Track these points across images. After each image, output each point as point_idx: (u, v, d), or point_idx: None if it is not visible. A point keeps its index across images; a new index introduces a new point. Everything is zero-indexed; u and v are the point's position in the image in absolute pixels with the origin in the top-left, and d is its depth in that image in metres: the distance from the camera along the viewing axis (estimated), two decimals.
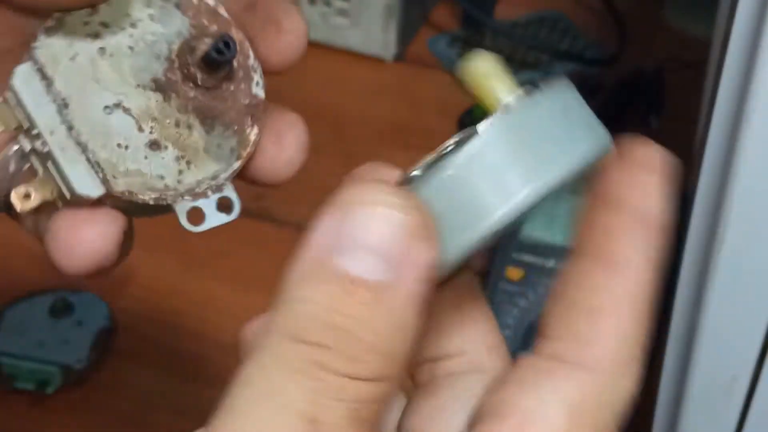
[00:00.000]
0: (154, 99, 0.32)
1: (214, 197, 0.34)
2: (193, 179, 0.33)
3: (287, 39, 0.35)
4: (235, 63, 0.33)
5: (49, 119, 0.30)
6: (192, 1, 0.33)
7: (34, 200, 0.31)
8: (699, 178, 0.46)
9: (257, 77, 0.34)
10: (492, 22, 0.98)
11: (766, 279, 0.46)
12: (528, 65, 0.97)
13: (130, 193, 0.32)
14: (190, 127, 0.33)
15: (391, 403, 0.27)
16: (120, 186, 0.32)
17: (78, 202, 0.31)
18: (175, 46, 0.32)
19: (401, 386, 0.28)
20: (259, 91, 0.35)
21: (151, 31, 0.32)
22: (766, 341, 0.47)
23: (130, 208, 0.33)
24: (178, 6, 0.33)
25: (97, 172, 0.31)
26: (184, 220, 0.35)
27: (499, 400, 0.26)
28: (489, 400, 0.26)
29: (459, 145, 0.27)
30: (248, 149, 0.34)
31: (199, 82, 0.32)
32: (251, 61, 0.34)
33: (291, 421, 0.23)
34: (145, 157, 0.32)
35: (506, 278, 0.72)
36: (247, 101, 0.34)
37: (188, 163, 0.33)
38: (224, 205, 0.35)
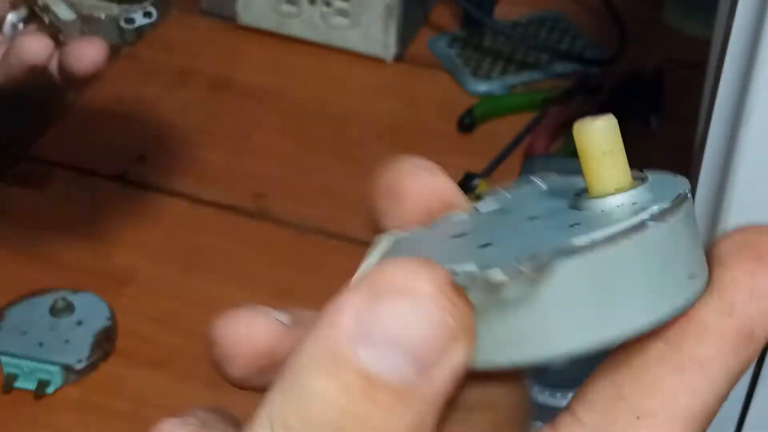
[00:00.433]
0: None
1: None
2: None
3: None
4: None
5: None
6: None
7: None
8: (699, 178, 0.46)
9: None
10: (492, 22, 0.98)
11: None
12: (528, 65, 0.97)
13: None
14: None
15: None
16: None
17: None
18: None
19: None
20: None
21: None
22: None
23: None
24: None
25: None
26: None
27: None
28: None
29: (540, 257, 0.21)
30: None
31: None
32: None
33: None
34: None
35: None
36: None
37: None
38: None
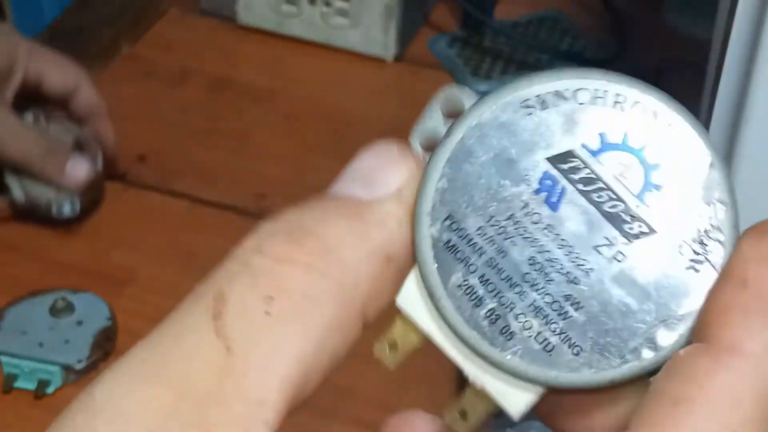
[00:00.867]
0: None
1: None
2: None
3: None
4: None
5: None
6: None
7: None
8: None
9: None
10: (492, 22, 0.98)
11: None
12: (528, 65, 0.97)
13: None
14: None
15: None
16: None
17: None
18: None
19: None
20: None
21: None
22: None
23: None
24: None
25: None
26: None
27: None
28: None
29: None
30: None
31: None
32: None
33: (198, 298, 0.23)
34: None
35: None
36: None
37: None
38: None
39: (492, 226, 0.24)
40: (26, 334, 0.71)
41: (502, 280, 0.24)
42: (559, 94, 0.24)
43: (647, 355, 0.23)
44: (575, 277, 0.23)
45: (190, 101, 0.93)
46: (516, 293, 0.24)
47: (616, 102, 0.24)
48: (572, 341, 0.23)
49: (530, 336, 0.23)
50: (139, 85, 0.94)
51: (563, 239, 0.24)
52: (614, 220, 0.24)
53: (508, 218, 0.24)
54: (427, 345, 0.25)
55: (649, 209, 0.24)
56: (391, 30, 0.96)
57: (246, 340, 0.22)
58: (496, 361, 0.24)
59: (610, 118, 0.24)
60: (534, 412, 0.24)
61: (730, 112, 0.44)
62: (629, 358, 0.23)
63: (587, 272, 0.23)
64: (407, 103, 0.94)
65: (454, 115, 0.25)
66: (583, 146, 0.24)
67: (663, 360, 0.23)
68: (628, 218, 0.24)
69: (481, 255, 0.24)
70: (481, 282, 0.24)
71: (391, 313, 0.25)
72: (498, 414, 0.24)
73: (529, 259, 0.24)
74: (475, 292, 0.24)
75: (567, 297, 0.23)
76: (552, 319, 0.23)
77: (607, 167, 0.24)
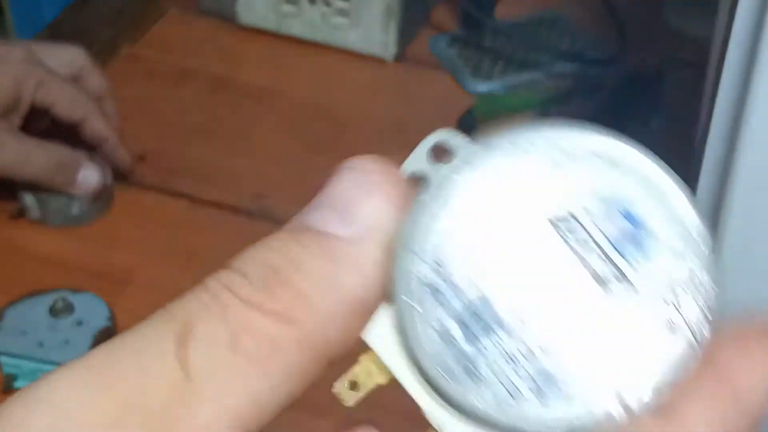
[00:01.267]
0: None
1: None
2: None
3: None
4: None
5: None
6: None
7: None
8: (699, 179, 0.46)
9: None
10: (492, 22, 0.98)
11: (766, 279, 0.46)
12: (528, 65, 0.97)
13: None
14: None
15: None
16: None
17: None
18: None
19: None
20: None
21: None
22: None
23: None
24: None
25: None
26: None
27: None
28: None
29: None
30: None
31: None
32: None
33: (167, 319, 0.23)
34: None
35: None
36: None
37: None
38: None
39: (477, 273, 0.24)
40: (26, 334, 0.71)
41: (479, 324, 0.24)
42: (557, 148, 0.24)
43: (615, 412, 0.23)
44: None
45: (190, 101, 0.93)
46: (491, 340, 0.23)
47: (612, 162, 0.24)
48: (539, 389, 0.23)
49: (498, 381, 0.23)
50: (139, 85, 0.94)
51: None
52: (599, 279, 0.24)
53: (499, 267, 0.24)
54: (392, 382, 0.24)
55: (636, 273, 0.24)
56: (391, 30, 0.96)
57: (205, 369, 0.22)
58: (458, 404, 0.23)
59: (605, 177, 0.24)
60: None
61: (730, 112, 0.44)
62: (596, 412, 0.23)
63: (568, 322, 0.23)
64: (407, 103, 0.94)
65: (442, 158, 0.25)
66: (580, 206, 0.24)
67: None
68: (612, 278, 0.24)
69: (461, 299, 0.24)
70: (458, 324, 0.24)
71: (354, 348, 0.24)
72: None
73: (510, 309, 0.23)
74: (450, 334, 0.24)
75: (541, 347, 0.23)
76: (522, 366, 0.23)
77: (602, 228, 0.24)
